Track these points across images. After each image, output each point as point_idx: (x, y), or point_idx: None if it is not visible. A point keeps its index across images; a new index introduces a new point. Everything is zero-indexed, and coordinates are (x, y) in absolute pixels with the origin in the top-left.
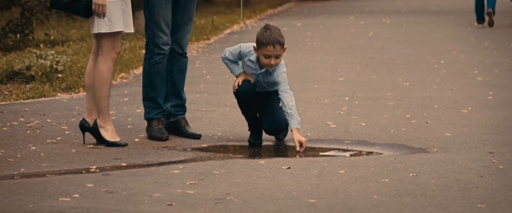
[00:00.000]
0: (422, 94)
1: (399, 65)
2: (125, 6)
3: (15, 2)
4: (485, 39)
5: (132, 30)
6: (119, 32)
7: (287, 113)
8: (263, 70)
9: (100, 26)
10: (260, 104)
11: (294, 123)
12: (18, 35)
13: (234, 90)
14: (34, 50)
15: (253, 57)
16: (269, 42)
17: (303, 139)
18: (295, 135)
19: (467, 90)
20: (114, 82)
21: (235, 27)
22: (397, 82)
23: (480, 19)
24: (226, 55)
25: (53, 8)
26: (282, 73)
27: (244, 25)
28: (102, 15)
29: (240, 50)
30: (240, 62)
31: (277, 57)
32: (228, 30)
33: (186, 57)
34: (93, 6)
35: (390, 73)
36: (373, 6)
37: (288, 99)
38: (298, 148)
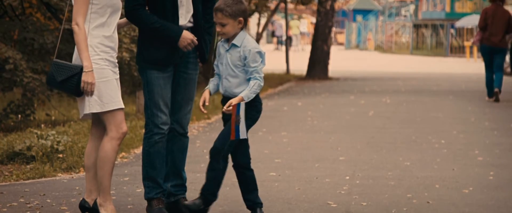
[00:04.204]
0: (423, 174)
1: (399, 144)
2: (117, 84)
3: (16, 83)
4: (485, 119)
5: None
6: (120, 110)
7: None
8: (230, 47)
9: (92, 106)
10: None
11: (244, 92)
12: (20, 115)
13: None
14: (35, 131)
15: None
16: (214, 10)
17: (233, 103)
18: (232, 99)
19: (468, 170)
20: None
21: None
22: (397, 162)
23: (490, 94)
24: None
25: (48, 85)
26: (253, 50)
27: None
28: (90, 93)
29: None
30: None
31: (223, 25)
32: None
33: (187, 137)
34: (82, 84)
35: (391, 153)
36: (373, 85)
37: (254, 85)
38: (224, 108)
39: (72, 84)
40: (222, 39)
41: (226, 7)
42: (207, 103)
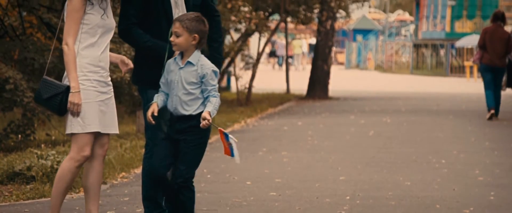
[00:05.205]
0: (423, 194)
1: (400, 164)
2: (105, 107)
3: (17, 103)
4: (485, 139)
5: (117, 131)
6: (90, 134)
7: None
8: (185, 65)
9: (73, 126)
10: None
11: (208, 107)
12: (20, 135)
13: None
14: (35, 151)
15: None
16: (174, 19)
17: (208, 117)
18: (204, 113)
19: (468, 190)
20: (114, 182)
21: (236, 126)
22: (398, 182)
23: (490, 108)
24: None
25: (35, 102)
26: (211, 69)
27: (245, 124)
28: (76, 114)
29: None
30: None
31: (177, 36)
32: (229, 129)
33: None
34: (69, 105)
35: (391, 173)
36: (373, 105)
37: (215, 102)
38: (202, 123)
39: (56, 103)
40: (175, 57)
41: (185, 19)
42: (156, 114)
